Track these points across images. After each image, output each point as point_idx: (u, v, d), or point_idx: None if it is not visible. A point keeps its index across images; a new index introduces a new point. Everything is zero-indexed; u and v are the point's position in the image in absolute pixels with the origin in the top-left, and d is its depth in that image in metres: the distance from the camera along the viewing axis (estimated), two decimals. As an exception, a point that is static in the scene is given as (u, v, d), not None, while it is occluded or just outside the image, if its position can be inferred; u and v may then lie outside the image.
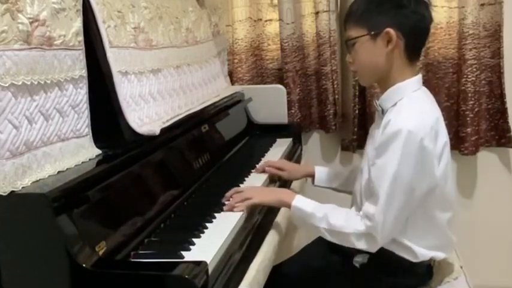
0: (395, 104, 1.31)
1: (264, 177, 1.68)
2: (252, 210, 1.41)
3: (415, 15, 1.28)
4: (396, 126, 1.24)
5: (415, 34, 1.30)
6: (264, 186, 1.63)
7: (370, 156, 1.33)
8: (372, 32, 1.29)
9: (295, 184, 1.82)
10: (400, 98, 1.31)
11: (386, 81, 1.33)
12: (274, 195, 1.46)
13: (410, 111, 1.27)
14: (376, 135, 1.32)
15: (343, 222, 1.30)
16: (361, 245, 1.29)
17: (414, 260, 1.33)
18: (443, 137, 1.29)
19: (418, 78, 1.35)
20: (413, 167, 1.22)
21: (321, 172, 1.69)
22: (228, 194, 1.44)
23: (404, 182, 1.23)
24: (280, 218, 1.49)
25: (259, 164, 1.77)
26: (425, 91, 1.37)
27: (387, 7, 1.28)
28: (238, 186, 1.57)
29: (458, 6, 2.17)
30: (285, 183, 1.76)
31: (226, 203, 1.39)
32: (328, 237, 1.33)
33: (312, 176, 1.70)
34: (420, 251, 1.32)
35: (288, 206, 1.38)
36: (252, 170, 1.73)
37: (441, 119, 1.31)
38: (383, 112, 1.33)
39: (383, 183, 1.24)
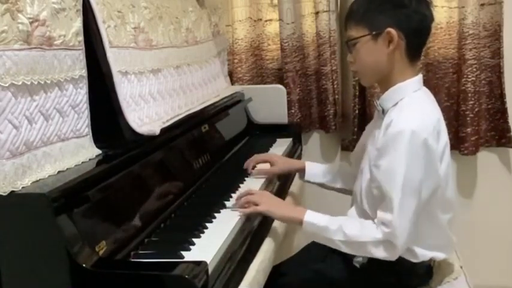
0: (396, 104, 1.31)
1: (264, 177, 1.67)
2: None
3: (417, 15, 1.28)
4: (399, 126, 1.23)
5: (417, 34, 1.30)
6: (264, 185, 1.63)
7: (372, 156, 1.33)
8: (373, 32, 1.29)
9: (294, 187, 1.82)
10: (401, 98, 1.31)
11: (387, 81, 1.33)
12: (282, 209, 1.39)
13: (412, 111, 1.27)
14: (377, 136, 1.32)
15: (358, 232, 1.27)
16: (379, 253, 1.26)
17: (414, 260, 1.33)
18: (445, 137, 1.29)
19: (419, 78, 1.34)
20: (421, 168, 1.22)
21: (312, 167, 1.69)
22: (241, 193, 1.43)
23: (414, 184, 1.22)
24: (280, 218, 1.49)
25: (246, 162, 1.72)
26: (426, 91, 1.37)
27: (388, 7, 1.28)
28: (238, 186, 1.58)
29: (458, 6, 2.17)
30: (285, 183, 1.76)
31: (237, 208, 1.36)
32: (344, 249, 1.30)
33: (303, 170, 1.69)
34: (420, 251, 1.32)
35: (298, 221, 1.34)
36: (252, 170, 1.73)
37: (442, 119, 1.31)
38: (383, 112, 1.33)
39: (394, 187, 1.22)
